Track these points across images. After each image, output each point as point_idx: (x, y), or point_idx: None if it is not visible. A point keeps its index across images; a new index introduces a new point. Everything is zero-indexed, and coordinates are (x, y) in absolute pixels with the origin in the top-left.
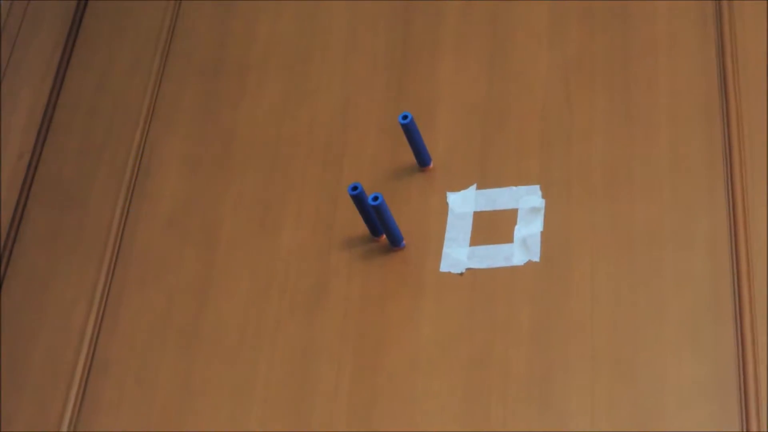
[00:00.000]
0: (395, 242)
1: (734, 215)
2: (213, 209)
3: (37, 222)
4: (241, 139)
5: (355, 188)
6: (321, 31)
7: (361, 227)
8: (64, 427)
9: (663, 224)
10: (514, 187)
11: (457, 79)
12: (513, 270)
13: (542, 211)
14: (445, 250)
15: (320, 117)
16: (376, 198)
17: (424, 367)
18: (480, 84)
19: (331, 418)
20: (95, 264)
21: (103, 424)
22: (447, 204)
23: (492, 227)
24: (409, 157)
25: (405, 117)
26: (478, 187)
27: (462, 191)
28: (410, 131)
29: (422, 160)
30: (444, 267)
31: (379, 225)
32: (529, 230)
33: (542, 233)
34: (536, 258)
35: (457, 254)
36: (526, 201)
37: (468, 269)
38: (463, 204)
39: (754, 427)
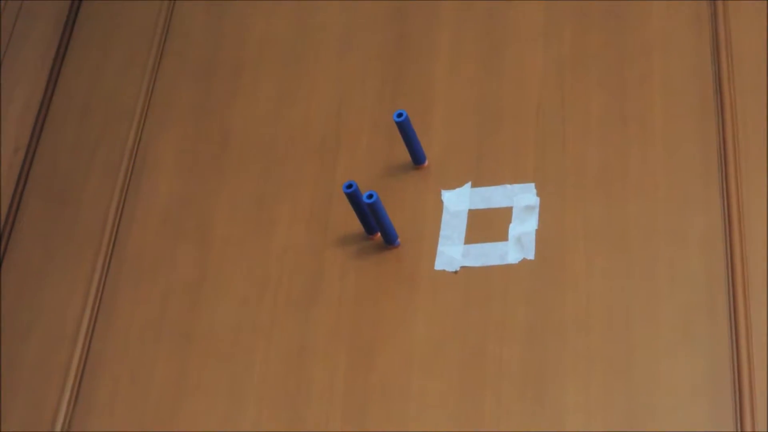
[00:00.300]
0: (390, 240)
1: (729, 214)
2: (207, 207)
3: (32, 218)
4: (235, 137)
5: (349, 186)
6: (315, 29)
7: (355, 225)
8: (58, 427)
9: (657, 222)
10: (508, 185)
11: (452, 77)
12: (507, 268)
13: (537, 209)
14: (440, 248)
15: (315, 115)
16: (370, 196)
17: (419, 366)
18: (475, 82)
19: (326, 416)
20: (89, 261)
21: (97, 423)
22: (442, 202)
23: (487, 225)
24: (403, 155)
25: (400, 115)
26: (473, 185)
27: (457, 189)
28: (405, 129)
29: (417, 158)
30: (438, 265)
31: (373, 223)
32: (524, 228)
33: (537, 231)
34: (531, 256)
35: (452, 252)
36: (521, 199)
37: (462, 267)
38: (458, 202)
39: (748, 425)
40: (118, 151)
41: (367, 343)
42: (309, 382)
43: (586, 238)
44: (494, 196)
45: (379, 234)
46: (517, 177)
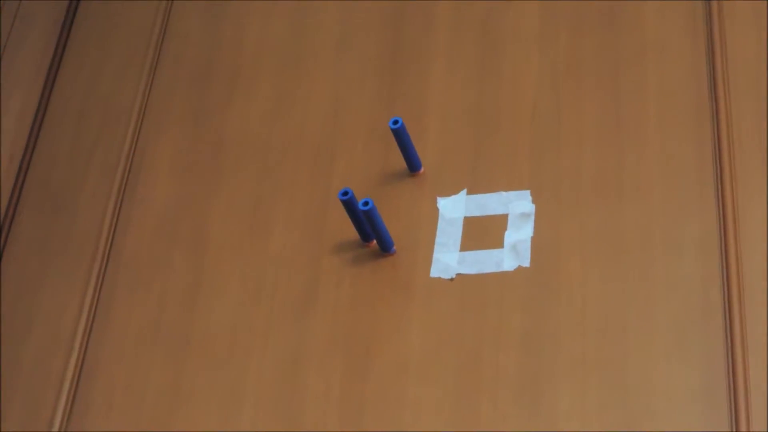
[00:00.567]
0: (385, 247)
1: (724, 219)
2: (203, 214)
3: (28, 226)
4: (231, 143)
5: (345, 193)
6: (311, 35)
7: (351, 232)
8: (55, 429)
9: (653, 229)
10: (504, 193)
11: (448, 84)
12: (503, 275)
13: (532, 217)
14: (436, 255)
15: (311, 121)
16: (366, 203)
17: (415, 372)
18: (470, 89)
19: (322, 422)
20: (85, 268)
21: (93, 426)
22: (437, 209)
23: (482, 232)
24: (399, 162)
25: (395, 122)
26: (469, 193)
27: (452, 196)
28: (401, 136)
29: (412, 165)
30: (434, 272)
31: (369, 230)
32: (519, 236)
33: (532, 238)
34: (526, 263)
35: (448, 259)
36: (516, 206)
37: (458, 274)
38: (454, 209)
39: (743, 429)
40: (115, 155)
41: (363, 350)
42: (305, 388)
43: (582, 244)
44: (490, 203)
45: (374, 241)
46: (512, 183)
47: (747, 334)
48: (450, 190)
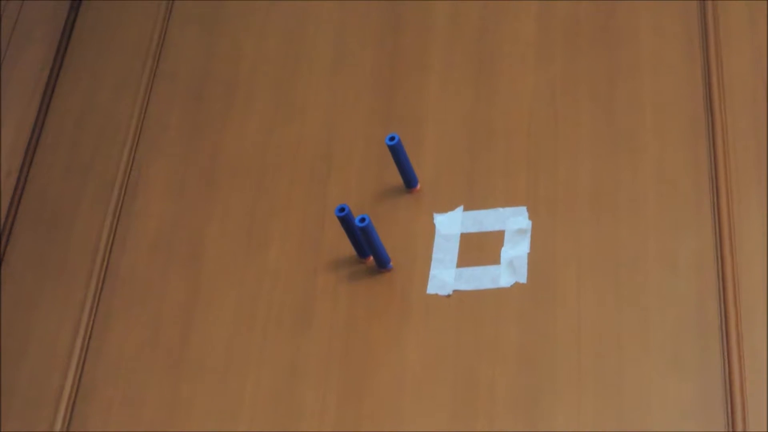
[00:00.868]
0: (382, 264)
1: (720, 234)
2: (199, 229)
3: (25, 241)
4: (227, 159)
5: (341, 210)
6: (307, 51)
7: (347, 249)
8: None
9: (649, 244)
10: (500, 209)
11: (444, 99)
12: (500, 292)
13: (529, 233)
14: (432, 271)
15: (306, 138)
16: (363, 219)
17: (411, 389)
18: (466, 105)
19: None
20: (82, 284)
21: None
22: (434, 225)
23: (479, 249)
24: (395, 178)
25: (392, 138)
26: (465, 209)
27: (449, 212)
28: (397, 152)
29: (409, 181)
30: (431, 289)
31: (366, 246)
32: (516, 252)
33: (529, 254)
34: (523, 279)
35: (444, 276)
36: (513, 222)
37: (455, 291)
38: (450, 225)
39: None
40: (112, 170)
41: (360, 367)
42: (301, 405)
43: (578, 260)
44: (486, 220)
45: (371, 257)
46: (508, 199)
47: (744, 349)
48: (447, 206)
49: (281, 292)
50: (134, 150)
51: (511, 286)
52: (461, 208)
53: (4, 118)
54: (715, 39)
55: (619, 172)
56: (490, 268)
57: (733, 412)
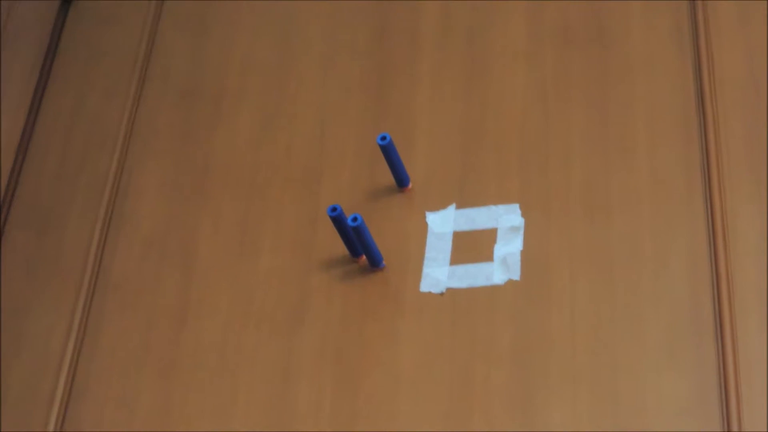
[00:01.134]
0: (375, 263)
1: (713, 232)
2: (191, 233)
3: (16, 246)
4: (218, 162)
5: (334, 209)
6: (296, 54)
7: (340, 248)
8: None
9: (642, 241)
10: (493, 206)
11: (435, 100)
12: (493, 289)
13: (522, 230)
14: (425, 270)
15: (298, 139)
16: (355, 219)
17: (405, 388)
18: (457, 105)
19: None
20: (74, 288)
21: None
22: (426, 224)
23: (471, 247)
24: (387, 178)
25: (383, 138)
26: (457, 207)
27: (441, 211)
28: (388, 152)
29: (401, 180)
30: (424, 287)
31: (358, 246)
32: (509, 249)
33: (522, 252)
34: (516, 277)
35: (437, 274)
36: (506, 220)
37: (448, 289)
38: (443, 224)
39: None
40: (102, 175)
41: (354, 366)
42: (295, 405)
43: (571, 257)
44: (479, 218)
45: (364, 257)
46: (501, 198)
47: (738, 346)
48: (439, 205)
49: (274, 293)
50: (124, 154)
51: (505, 283)
52: (453, 206)
53: None
54: (705, 38)
55: (611, 171)
56: (484, 266)
57: (728, 409)
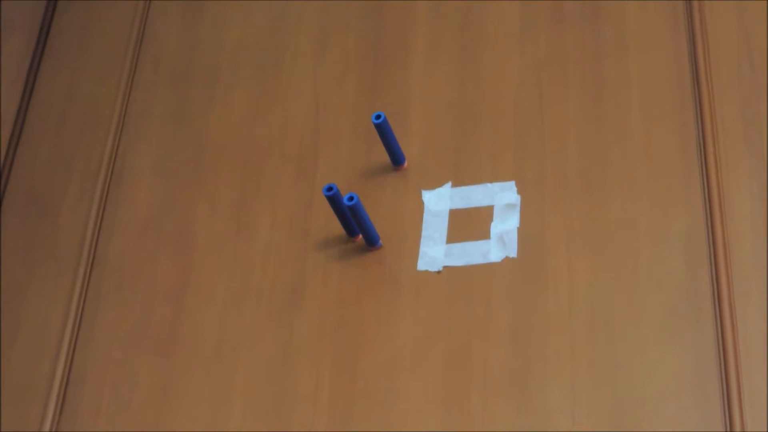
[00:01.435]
0: (372, 242)
1: (710, 209)
2: (187, 215)
3: (11, 231)
4: (213, 143)
5: (329, 189)
6: (290, 33)
7: (336, 228)
8: None
9: (639, 219)
10: (489, 184)
11: (430, 78)
12: (490, 267)
13: (518, 207)
14: (422, 248)
15: (292, 119)
16: (351, 198)
17: (404, 367)
18: (452, 83)
19: (312, 420)
20: (70, 273)
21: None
22: (422, 202)
23: (468, 224)
24: (383, 156)
25: (378, 117)
26: (453, 185)
27: (437, 189)
28: (383, 131)
29: (396, 159)
30: (421, 266)
31: (355, 225)
32: (506, 226)
33: (518, 230)
34: (513, 254)
35: (434, 252)
36: (502, 197)
37: (445, 267)
38: (439, 202)
39: (737, 419)
40: (96, 160)
41: (352, 346)
42: (294, 386)
43: (568, 235)
44: (475, 195)
45: (360, 236)
46: (496, 176)
47: (737, 321)
48: (435, 183)
49: (271, 274)
50: (119, 137)
51: (502, 261)
52: (449, 184)
53: None
54: (700, 15)
55: (607, 149)
56: (480, 243)
57: (728, 383)
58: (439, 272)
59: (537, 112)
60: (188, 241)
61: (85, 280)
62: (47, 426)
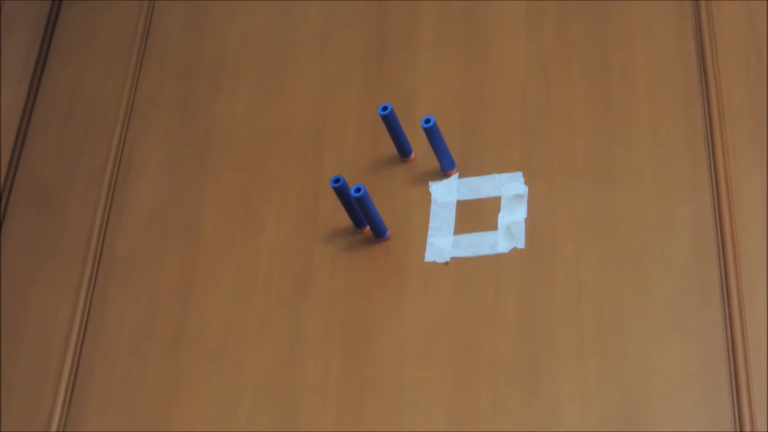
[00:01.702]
0: (379, 233)
1: (718, 198)
2: (194, 207)
3: (19, 225)
4: (219, 136)
5: (337, 180)
6: (296, 27)
7: (344, 220)
8: (53, 429)
9: (647, 209)
10: (496, 175)
11: (436, 69)
12: (498, 258)
13: (525, 198)
14: (430, 239)
15: (299, 111)
16: (358, 189)
17: (412, 358)
18: (458, 74)
19: (320, 411)
20: (78, 266)
21: (90, 425)
22: (429, 194)
23: (475, 215)
24: (389, 148)
25: (385, 108)
26: (460, 176)
27: (444, 180)
28: (390, 122)
29: (403, 150)
30: (429, 257)
31: (362, 217)
32: (513, 217)
33: (526, 220)
34: (521, 245)
35: (442, 243)
36: (509, 188)
37: (453, 258)
38: (446, 193)
39: (745, 409)
40: (103, 152)
41: (360, 338)
42: (302, 378)
43: (576, 226)
44: (482, 186)
45: (368, 227)
46: (503, 167)
47: (745, 310)
48: (442, 174)
49: (279, 266)
50: (125, 131)
51: (510, 252)
52: (456, 175)
53: None
54: (706, 2)
55: (614, 138)
56: (488, 234)
57: (736, 374)
58: (446, 263)
59: (544, 103)
60: (195, 234)
61: (92, 274)
62: (56, 419)
